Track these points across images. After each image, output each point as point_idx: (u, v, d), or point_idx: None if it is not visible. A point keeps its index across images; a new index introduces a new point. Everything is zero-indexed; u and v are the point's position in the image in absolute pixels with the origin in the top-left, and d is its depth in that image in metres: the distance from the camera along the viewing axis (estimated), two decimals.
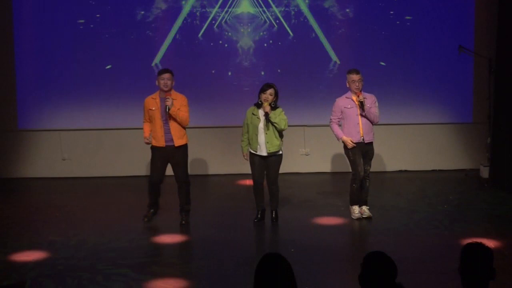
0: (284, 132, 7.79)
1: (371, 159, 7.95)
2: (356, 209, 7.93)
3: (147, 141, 7.72)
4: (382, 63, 10.37)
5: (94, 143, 10.31)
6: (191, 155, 10.23)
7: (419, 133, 10.49)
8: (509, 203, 8.59)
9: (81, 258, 6.68)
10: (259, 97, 7.62)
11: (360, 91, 7.73)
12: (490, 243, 6.74)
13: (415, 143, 10.48)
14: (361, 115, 7.74)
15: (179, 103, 7.58)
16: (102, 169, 10.26)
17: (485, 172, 9.61)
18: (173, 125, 7.58)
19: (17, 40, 10.14)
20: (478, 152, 10.19)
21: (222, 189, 9.66)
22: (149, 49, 10.24)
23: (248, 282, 5.87)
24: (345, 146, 7.88)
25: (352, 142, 7.74)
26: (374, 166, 10.31)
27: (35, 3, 10.16)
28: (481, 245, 3.64)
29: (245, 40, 10.33)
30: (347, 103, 7.80)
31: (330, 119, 7.93)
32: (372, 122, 7.82)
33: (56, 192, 9.32)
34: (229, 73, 10.36)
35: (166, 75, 7.56)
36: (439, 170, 10.45)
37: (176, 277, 6.30)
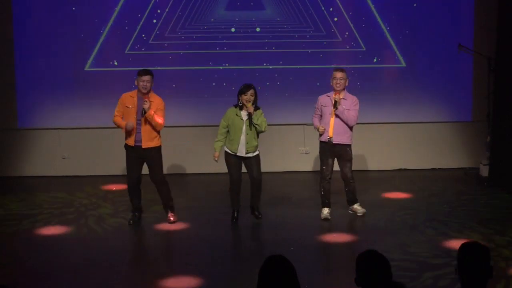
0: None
1: (348, 161, 7.83)
2: (324, 210, 7.90)
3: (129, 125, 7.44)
4: (375, 60, 10.37)
5: (94, 142, 10.30)
6: (188, 154, 10.28)
7: (419, 131, 10.48)
8: (509, 202, 8.60)
9: (74, 258, 6.67)
10: (239, 99, 7.60)
11: (343, 89, 7.71)
12: (489, 242, 6.78)
13: (415, 141, 10.47)
14: (335, 114, 7.70)
15: (155, 106, 7.48)
16: (102, 167, 10.25)
17: (484, 171, 9.61)
18: (145, 127, 7.47)
19: (16, 39, 10.14)
20: (478, 151, 10.18)
21: (215, 188, 9.55)
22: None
23: (247, 281, 5.88)
24: (319, 146, 7.89)
25: (323, 129, 7.72)
26: (374, 164, 10.38)
27: (35, 2, 10.15)
28: (477, 244, 3.65)
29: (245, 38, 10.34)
30: (326, 101, 7.80)
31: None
32: (347, 124, 7.74)
33: (55, 191, 9.32)
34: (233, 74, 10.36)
35: (146, 77, 7.45)
36: (439, 169, 10.45)
37: (172, 276, 6.31)
